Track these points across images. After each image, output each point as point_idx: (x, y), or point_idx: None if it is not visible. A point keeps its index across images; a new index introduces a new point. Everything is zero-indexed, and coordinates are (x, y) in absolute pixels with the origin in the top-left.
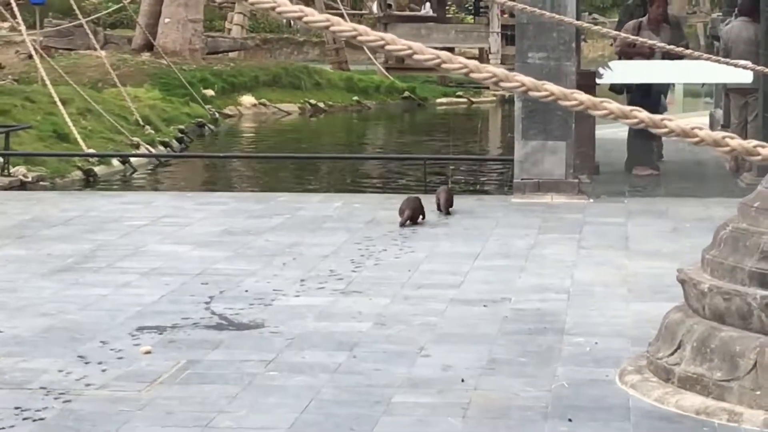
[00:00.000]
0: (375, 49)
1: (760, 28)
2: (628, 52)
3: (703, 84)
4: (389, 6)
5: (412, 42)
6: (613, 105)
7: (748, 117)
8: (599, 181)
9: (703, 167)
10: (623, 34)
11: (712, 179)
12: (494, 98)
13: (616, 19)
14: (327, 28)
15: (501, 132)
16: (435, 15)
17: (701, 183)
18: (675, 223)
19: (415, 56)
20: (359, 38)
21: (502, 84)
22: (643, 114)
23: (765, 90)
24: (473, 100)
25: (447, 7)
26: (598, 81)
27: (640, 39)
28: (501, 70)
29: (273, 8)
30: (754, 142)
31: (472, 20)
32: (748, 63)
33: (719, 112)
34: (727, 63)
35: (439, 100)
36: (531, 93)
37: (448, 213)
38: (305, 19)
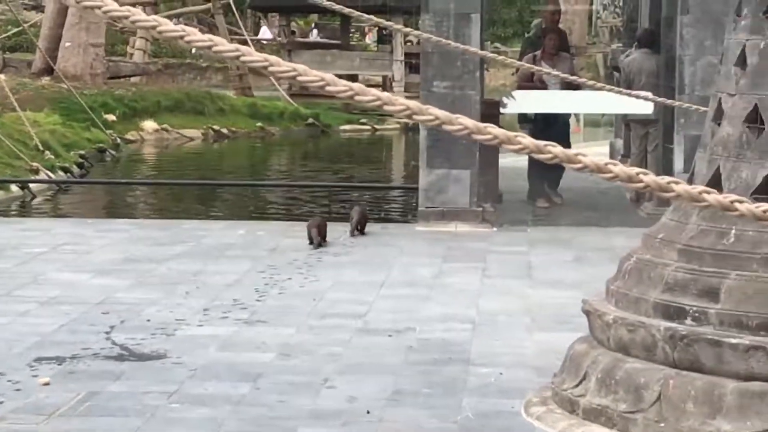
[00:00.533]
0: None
1: (660, 59)
2: (525, 86)
3: (603, 114)
4: (293, 32)
5: (325, 73)
6: (498, 130)
7: (648, 147)
8: (503, 209)
9: (605, 197)
10: (527, 64)
11: (614, 209)
12: (398, 126)
13: (518, 49)
14: (237, 58)
15: (404, 160)
16: (338, 42)
17: (603, 212)
18: (577, 253)
19: (329, 88)
20: (270, 69)
21: (386, 108)
22: (557, 149)
23: (665, 121)
24: (377, 127)
25: (350, 35)
26: (502, 110)
27: (545, 69)
28: (386, 95)
29: (182, 37)
30: (668, 179)
31: (376, 48)
32: (649, 94)
33: (619, 142)
34: (628, 94)
35: (342, 127)
36: (415, 117)
37: (362, 233)
38: (215, 48)
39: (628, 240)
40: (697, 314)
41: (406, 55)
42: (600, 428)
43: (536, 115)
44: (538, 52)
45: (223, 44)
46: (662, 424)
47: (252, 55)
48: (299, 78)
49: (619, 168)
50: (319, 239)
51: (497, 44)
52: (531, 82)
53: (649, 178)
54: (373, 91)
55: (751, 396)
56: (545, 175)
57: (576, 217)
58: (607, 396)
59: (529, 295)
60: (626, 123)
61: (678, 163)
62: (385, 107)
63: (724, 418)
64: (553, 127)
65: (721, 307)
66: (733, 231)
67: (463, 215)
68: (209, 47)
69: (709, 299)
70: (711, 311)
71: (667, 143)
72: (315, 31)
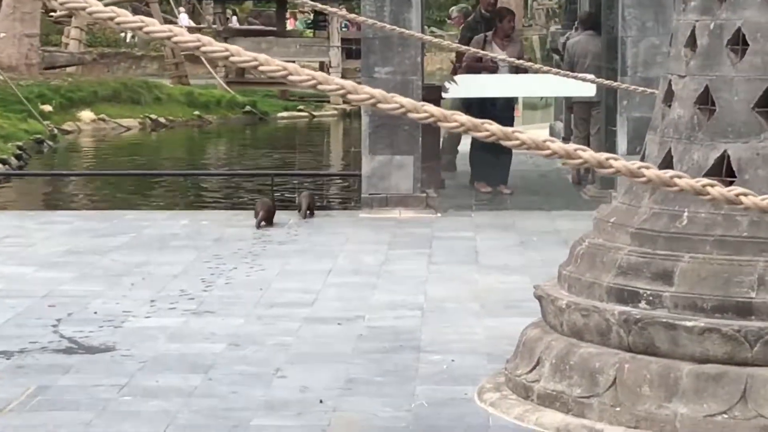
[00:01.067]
0: (219, 61)
1: (602, 41)
2: (475, 66)
3: (542, 97)
4: (227, 20)
5: (258, 54)
6: (464, 117)
7: (591, 130)
8: (445, 195)
9: (546, 180)
10: (473, 49)
11: (556, 192)
12: (335, 112)
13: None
14: (169, 38)
15: (344, 146)
16: (273, 29)
17: (545, 196)
18: (522, 237)
19: (261, 67)
20: (202, 49)
21: (350, 96)
22: (494, 127)
23: (608, 103)
24: (314, 114)
25: (286, 21)
26: (443, 95)
27: (491, 54)
28: (350, 83)
29: (112, 18)
30: (606, 155)
31: (312, 34)
32: (593, 76)
33: (559, 125)
34: (575, 77)
35: (280, 114)
36: (380, 105)
37: (311, 216)
38: (146, 29)
39: (573, 223)
40: (651, 298)
41: (343, 40)
42: (555, 413)
43: (482, 99)
44: (489, 34)
45: (154, 24)
46: (618, 408)
47: (184, 36)
48: (232, 59)
49: (557, 145)
50: (262, 221)
51: (433, 28)
52: (480, 64)
53: (588, 154)
54: (337, 79)
55: (707, 378)
56: (489, 159)
57: (519, 201)
58: (562, 381)
59: (476, 280)
60: (569, 106)
61: (621, 145)
62: (349, 96)
63: (680, 401)
64: (499, 111)
65: (675, 290)
66: (686, 213)
67: (407, 201)
68: (140, 28)
69: (663, 282)
70: (665, 294)
71: (611, 125)
72: (234, 18)
